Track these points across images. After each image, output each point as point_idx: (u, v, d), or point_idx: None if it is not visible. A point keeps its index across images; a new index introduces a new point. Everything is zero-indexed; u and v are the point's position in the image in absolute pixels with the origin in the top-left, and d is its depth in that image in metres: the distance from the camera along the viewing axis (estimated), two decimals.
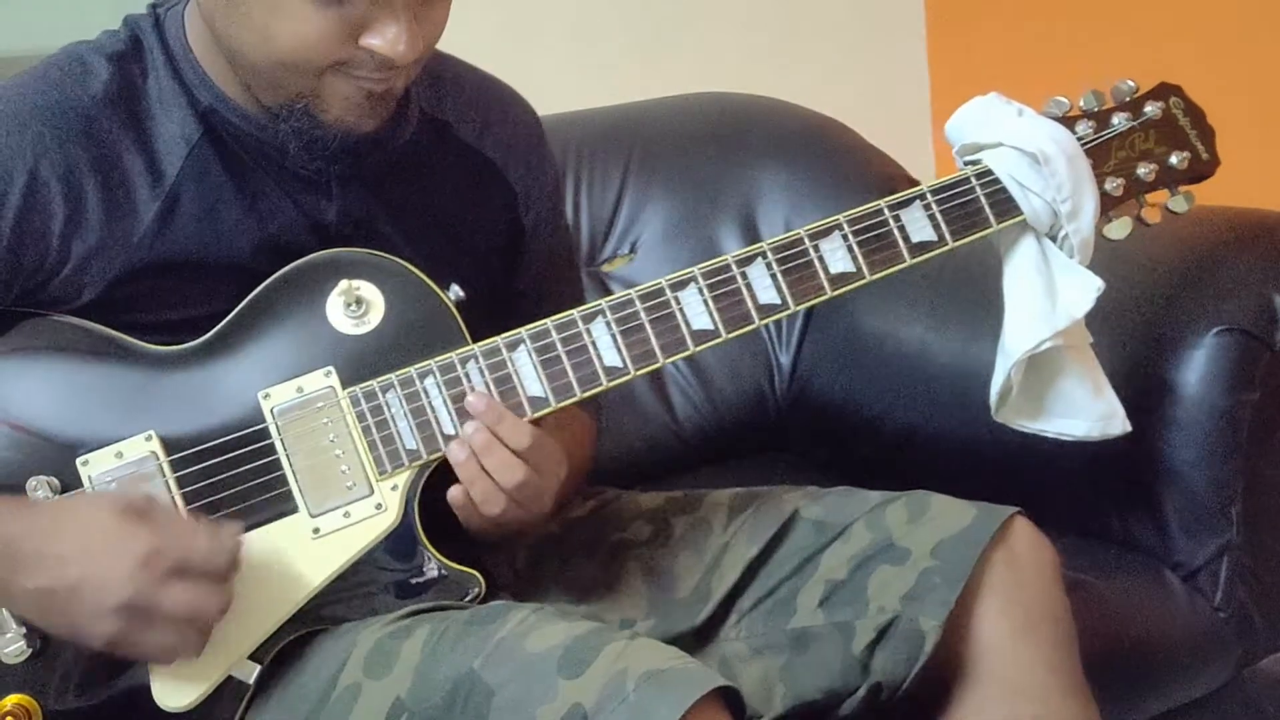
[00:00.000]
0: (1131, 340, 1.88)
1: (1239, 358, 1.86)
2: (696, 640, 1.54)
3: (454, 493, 1.43)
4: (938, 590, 1.47)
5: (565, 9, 2.85)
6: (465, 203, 1.61)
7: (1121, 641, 1.85)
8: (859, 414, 2.21)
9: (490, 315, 1.50)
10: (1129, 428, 1.63)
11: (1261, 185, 2.21)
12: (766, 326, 2.29)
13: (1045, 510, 1.89)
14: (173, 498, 1.42)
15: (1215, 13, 2.73)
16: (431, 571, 1.46)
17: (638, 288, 1.47)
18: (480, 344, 1.45)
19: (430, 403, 1.43)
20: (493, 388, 1.44)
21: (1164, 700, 1.90)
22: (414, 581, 1.46)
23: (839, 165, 2.39)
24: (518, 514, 1.44)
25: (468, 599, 1.47)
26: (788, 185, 2.35)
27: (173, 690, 1.40)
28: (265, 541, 1.42)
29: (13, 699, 1.39)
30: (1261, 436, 1.89)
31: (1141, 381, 1.85)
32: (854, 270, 1.51)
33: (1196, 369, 1.86)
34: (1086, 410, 1.61)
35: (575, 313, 1.46)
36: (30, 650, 1.39)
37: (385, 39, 1.36)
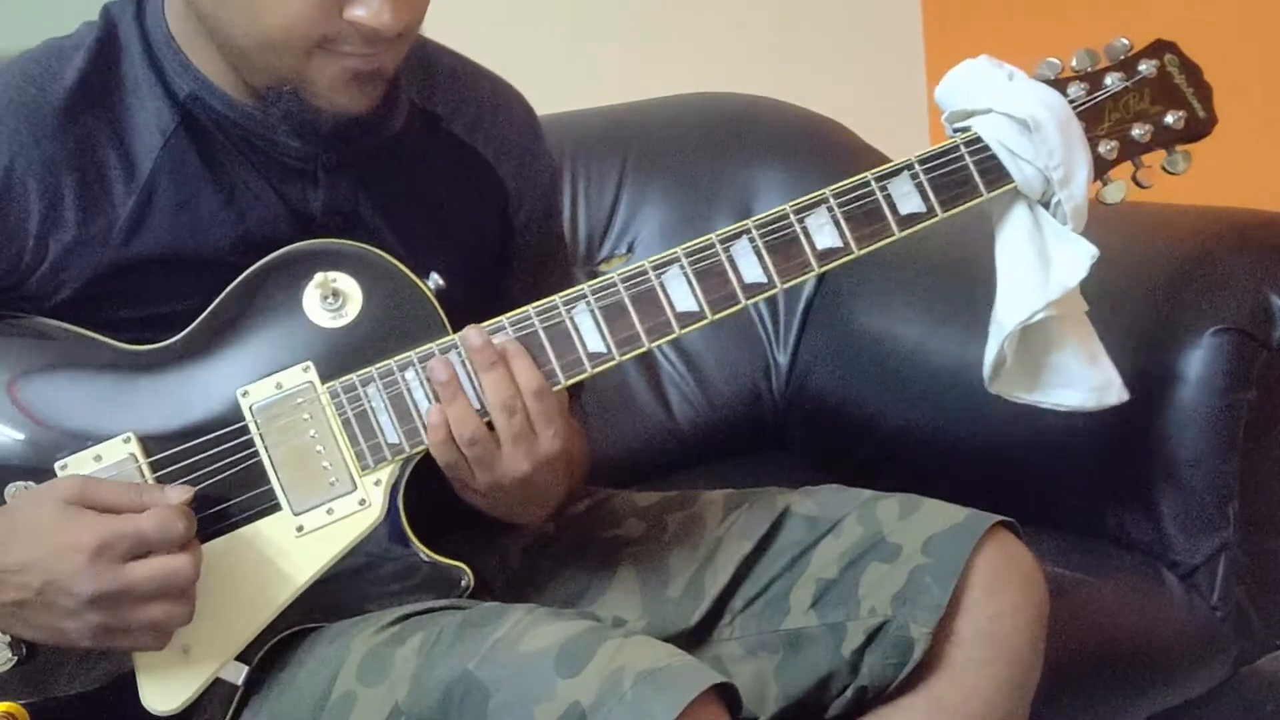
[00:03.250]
0: (1128, 339, 1.87)
1: (1236, 357, 1.86)
2: (690, 641, 1.52)
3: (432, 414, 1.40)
4: (929, 592, 1.46)
5: (562, 8, 2.85)
6: (455, 197, 1.59)
7: (1119, 640, 1.86)
8: (856, 413, 2.21)
9: (476, 313, 1.50)
10: (1126, 395, 1.62)
11: (1258, 184, 2.21)
12: (763, 325, 2.30)
13: (1042, 509, 1.90)
14: None
15: (1213, 11, 2.72)
16: (418, 565, 1.45)
17: (620, 270, 1.46)
18: (461, 333, 1.43)
19: (411, 395, 1.42)
20: (475, 377, 1.42)
21: (1161, 699, 1.91)
22: (401, 576, 1.45)
23: (836, 164, 2.37)
24: (497, 470, 1.41)
25: (457, 591, 1.46)
26: (784, 184, 2.35)
27: (161, 693, 1.39)
28: (248, 541, 1.40)
29: (1, 707, 1.38)
30: (1258, 435, 1.89)
31: (1139, 381, 1.84)
32: (841, 245, 1.49)
33: (1194, 368, 1.86)
34: (1082, 380, 1.60)
35: (557, 298, 1.44)
36: (16, 658, 1.38)
37: (369, 9, 1.35)
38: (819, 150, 2.41)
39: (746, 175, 2.36)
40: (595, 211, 2.36)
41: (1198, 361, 1.86)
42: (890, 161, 2.41)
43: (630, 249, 2.33)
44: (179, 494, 1.35)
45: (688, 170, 2.38)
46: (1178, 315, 1.89)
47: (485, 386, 1.39)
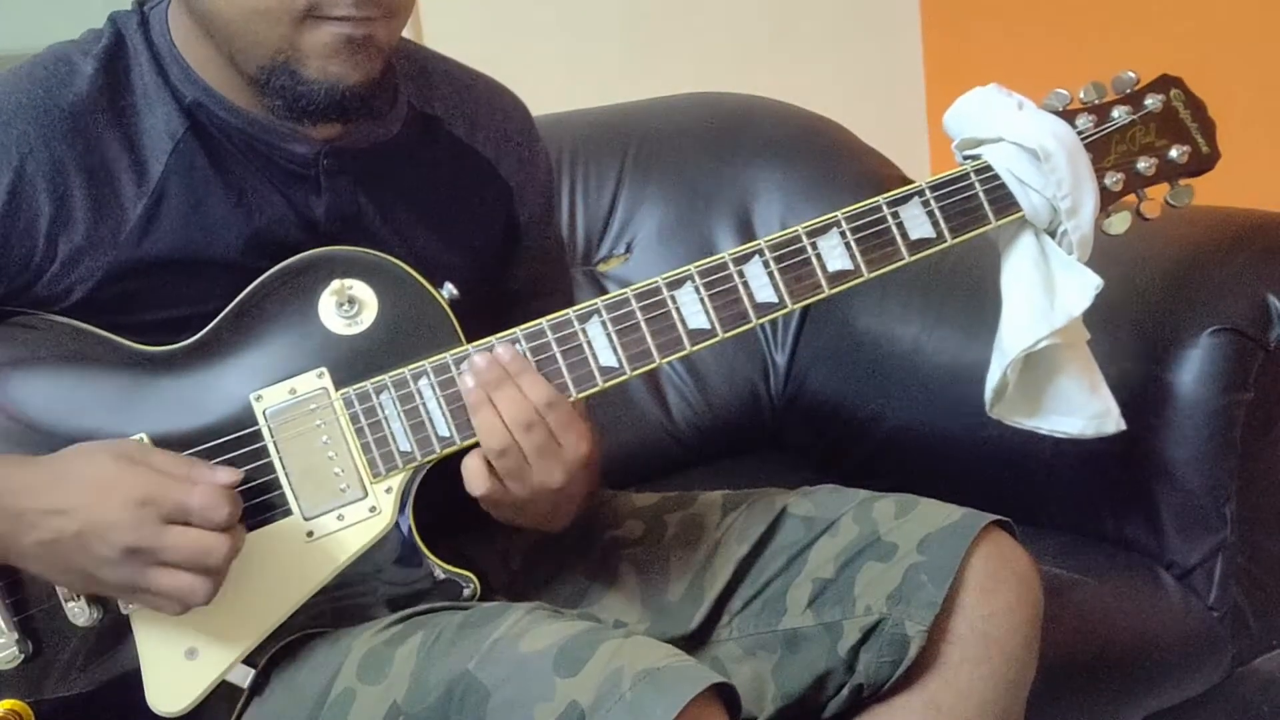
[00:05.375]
0: (1126, 340, 1.88)
1: (1233, 358, 1.86)
2: (690, 643, 1.53)
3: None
4: (924, 590, 1.46)
5: (560, 9, 2.85)
6: (458, 199, 1.60)
7: (1116, 641, 1.86)
8: (854, 413, 2.21)
9: (483, 313, 1.50)
10: (1124, 426, 1.62)
11: (1256, 185, 2.22)
12: (762, 326, 2.30)
13: (1040, 509, 1.91)
14: None
15: (1211, 11, 2.73)
16: (427, 573, 1.45)
17: (634, 286, 1.46)
18: (474, 344, 1.44)
19: (424, 404, 1.42)
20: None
21: (1158, 700, 1.91)
22: (409, 583, 1.46)
23: (834, 165, 2.39)
24: (531, 483, 1.41)
25: (462, 599, 1.46)
26: (783, 185, 2.36)
27: (167, 694, 1.40)
28: (258, 544, 1.41)
29: (5, 704, 1.38)
30: (1256, 436, 1.89)
31: (1136, 381, 1.85)
32: (852, 268, 1.50)
33: (1191, 369, 1.86)
34: (1081, 408, 1.61)
35: (570, 312, 1.45)
36: (22, 656, 1.39)
37: None
38: (817, 150, 2.41)
39: (745, 175, 2.36)
40: (594, 211, 2.35)
41: (1195, 362, 1.86)
42: (888, 160, 2.44)
43: (629, 249, 2.33)
44: (228, 475, 1.37)
45: (686, 170, 2.38)
46: (1175, 315, 1.89)
47: (500, 405, 1.40)
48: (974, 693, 1.47)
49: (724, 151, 2.39)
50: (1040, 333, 1.55)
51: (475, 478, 1.41)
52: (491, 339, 1.44)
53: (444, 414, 1.43)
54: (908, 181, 2.28)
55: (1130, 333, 1.89)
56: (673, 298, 1.46)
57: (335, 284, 1.44)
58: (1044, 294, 1.55)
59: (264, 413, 1.42)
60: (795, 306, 1.48)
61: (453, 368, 1.43)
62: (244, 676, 1.41)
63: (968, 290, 2.03)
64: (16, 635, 1.39)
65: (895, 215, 1.52)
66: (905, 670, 1.47)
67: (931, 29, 3.20)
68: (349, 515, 1.42)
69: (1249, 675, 1.96)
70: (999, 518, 1.51)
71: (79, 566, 1.34)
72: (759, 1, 3.05)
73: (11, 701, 1.39)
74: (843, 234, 1.50)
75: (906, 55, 3.20)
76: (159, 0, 1.50)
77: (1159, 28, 2.77)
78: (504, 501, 1.43)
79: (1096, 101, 1.61)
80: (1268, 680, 1.98)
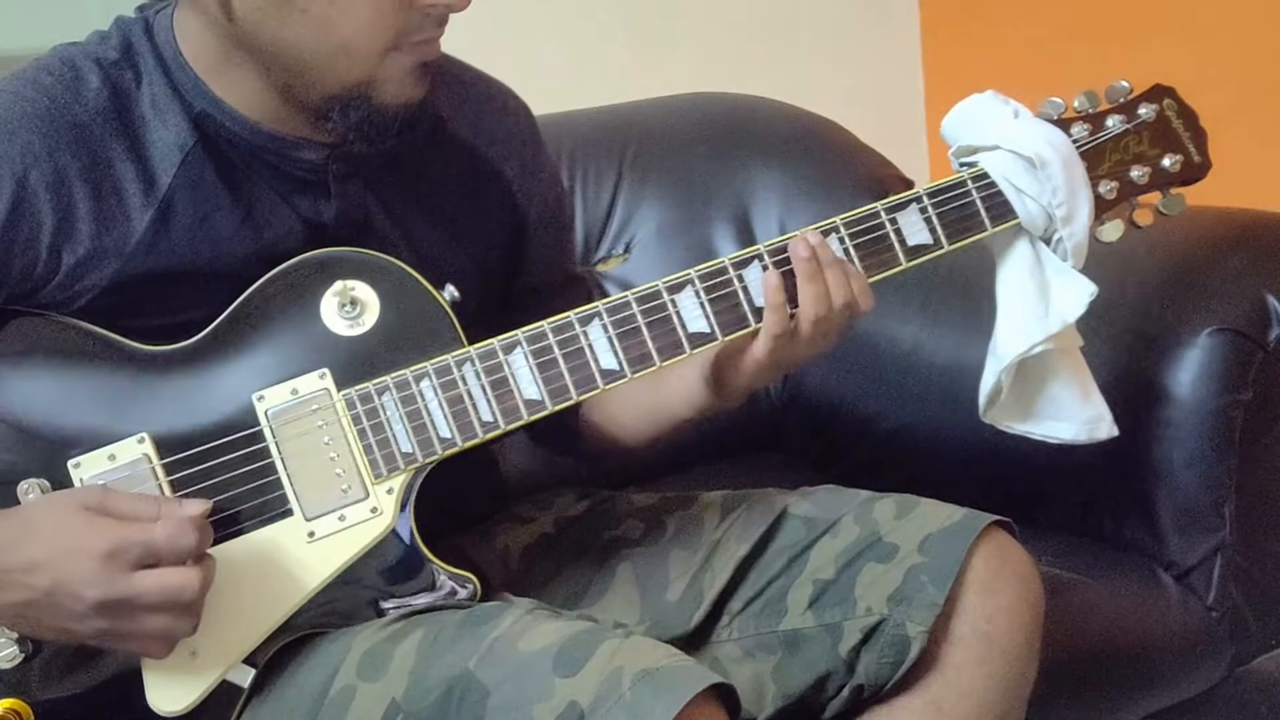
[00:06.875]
0: (1125, 340, 1.89)
1: (1232, 358, 1.86)
2: (689, 643, 1.53)
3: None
4: (925, 591, 1.47)
5: (561, 9, 2.85)
6: (464, 200, 1.60)
7: (1115, 641, 1.86)
8: (853, 413, 2.21)
9: (488, 315, 1.50)
10: (1116, 431, 1.63)
11: (1254, 185, 2.22)
12: None
13: (1039, 510, 1.91)
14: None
15: (1208, 12, 2.73)
16: (428, 574, 1.45)
17: (634, 290, 1.46)
18: (476, 346, 1.44)
19: (425, 405, 1.43)
20: (489, 390, 1.43)
21: (1157, 700, 1.91)
22: (410, 585, 1.46)
23: (833, 165, 2.39)
24: (777, 358, 1.48)
25: (462, 598, 1.46)
26: (781, 185, 2.36)
27: (167, 694, 1.39)
28: (260, 545, 1.41)
29: (5, 703, 1.38)
30: (1254, 436, 1.89)
31: (1135, 382, 1.86)
32: None
33: (1190, 369, 1.86)
34: (1075, 414, 1.61)
35: (572, 315, 1.45)
36: (22, 655, 1.38)
37: None
38: (816, 150, 2.41)
39: (744, 175, 2.36)
40: (593, 211, 2.35)
41: (1194, 362, 1.86)
42: (887, 160, 2.44)
43: (628, 249, 2.33)
44: (195, 506, 1.35)
45: (685, 170, 2.37)
46: (1174, 315, 1.89)
47: (802, 296, 1.46)
48: (975, 693, 1.48)
49: (723, 152, 2.39)
50: (1035, 338, 1.56)
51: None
52: (493, 341, 1.44)
53: (445, 415, 1.43)
54: (906, 182, 2.29)
55: (1129, 333, 1.90)
56: (673, 301, 1.46)
57: (338, 285, 1.45)
58: (1039, 300, 1.56)
59: (266, 413, 1.43)
60: (795, 310, 1.48)
61: (454, 370, 1.43)
62: (244, 676, 1.41)
63: (965, 291, 2.04)
64: (16, 635, 1.38)
65: (893, 221, 1.52)
66: (906, 671, 1.47)
67: (931, 29, 3.20)
68: (350, 516, 1.42)
69: (1248, 675, 1.97)
70: (999, 518, 1.51)
71: (55, 623, 1.32)
72: (759, 1, 3.05)
73: (11, 701, 1.38)
74: (841, 239, 1.50)
75: (905, 56, 3.21)
76: (162, 6, 1.49)
77: (1155, 28, 2.78)
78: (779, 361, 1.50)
79: (1091, 110, 1.61)
80: (1267, 680, 1.98)
